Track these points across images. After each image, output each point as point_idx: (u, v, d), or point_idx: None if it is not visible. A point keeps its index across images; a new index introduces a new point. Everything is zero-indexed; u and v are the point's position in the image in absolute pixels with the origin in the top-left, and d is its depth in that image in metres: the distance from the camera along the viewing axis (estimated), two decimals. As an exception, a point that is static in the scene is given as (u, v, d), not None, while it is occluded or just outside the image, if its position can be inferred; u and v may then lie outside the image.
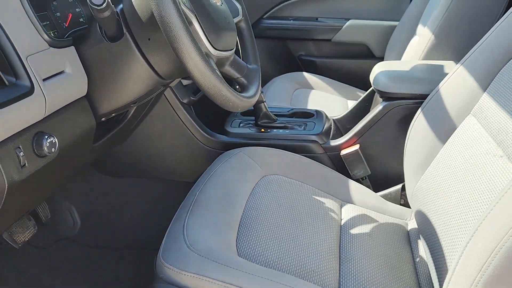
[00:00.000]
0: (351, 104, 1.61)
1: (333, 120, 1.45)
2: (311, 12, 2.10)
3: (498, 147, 0.85)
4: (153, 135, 1.30)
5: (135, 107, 1.06)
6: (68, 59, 0.78)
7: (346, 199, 1.17)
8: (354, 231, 1.06)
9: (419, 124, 1.10)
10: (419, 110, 1.11)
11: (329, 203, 1.13)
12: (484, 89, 0.97)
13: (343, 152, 1.26)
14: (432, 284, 0.94)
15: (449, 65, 1.29)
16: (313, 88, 1.86)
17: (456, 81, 1.05)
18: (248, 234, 0.93)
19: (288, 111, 1.45)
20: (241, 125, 1.36)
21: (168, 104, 1.26)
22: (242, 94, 0.84)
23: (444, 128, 1.04)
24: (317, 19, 2.10)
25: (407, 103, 1.22)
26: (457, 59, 1.24)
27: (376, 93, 1.34)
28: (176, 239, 0.87)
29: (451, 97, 1.04)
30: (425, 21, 1.57)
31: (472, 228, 0.74)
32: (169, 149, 1.33)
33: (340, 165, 1.28)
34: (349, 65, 2.05)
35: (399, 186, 1.22)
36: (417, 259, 1.02)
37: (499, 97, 0.91)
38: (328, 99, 1.77)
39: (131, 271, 1.39)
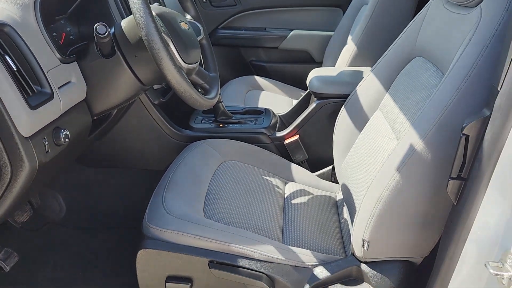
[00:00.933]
0: (295, 102, 1.93)
1: (279, 116, 1.75)
2: (260, 23, 2.40)
3: (392, 132, 1.17)
4: (129, 130, 1.55)
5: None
6: (73, 72, 1.03)
7: (289, 178, 1.48)
8: (294, 201, 1.36)
9: (342, 118, 1.42)
10: (343, 107, 1.43)
11: (276, 181, 1.43)
12: (387, 89, 1.30)
13: (286, 141, 1.57)
14: (350, 235, 1.26)
15: (366, 71, 1.62)
16: (263, 90, 2.17)
17: (369, 84, 1.37)
18: (212, 202, 1.21)
19: (242, 109, 1.74)
20: (203, 121, 1.64)
21: (141, 105, 1.51)
22: (206, 96, 1.12)
23: (360, 120, 1.36)
24: (265, 29, 2.40)
25: (334, 101, 1.55)
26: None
27: (311, 94, 1.66)
28: (157, 208, 1.14)
29: (365, 96, 1.37)
30: (352, 32, 1.91)
31: (368, 185, 1.05)
32: (143, 142, 1.58)
33: (284, 152, 1.58)
34: (293, 69, 2.37)
35: (330, 167, 1.54)
36: (342, 220, 1.34)
37: (395, 95, 1.24)
38: (276, 99, 2.08)
39: (113, 248, 1.62)
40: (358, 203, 1.15)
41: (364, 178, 1.16)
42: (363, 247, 1.01)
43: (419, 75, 1.13)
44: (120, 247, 1.61)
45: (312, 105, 1.58)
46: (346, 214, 1.36)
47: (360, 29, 1.75)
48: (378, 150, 1.17)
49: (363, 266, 1.06)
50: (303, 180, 1.49)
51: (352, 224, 1.18)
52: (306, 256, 1.10)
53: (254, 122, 1.63)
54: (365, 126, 1.34)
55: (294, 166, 1.51)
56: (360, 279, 1.07)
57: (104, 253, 1.59)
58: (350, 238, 1.25)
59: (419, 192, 0.95)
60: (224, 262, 1.05)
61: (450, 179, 0.87)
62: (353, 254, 1.09)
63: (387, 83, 1.31)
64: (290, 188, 1.43)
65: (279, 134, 1.60)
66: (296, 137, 1.56)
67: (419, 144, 0.93)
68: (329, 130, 1.51)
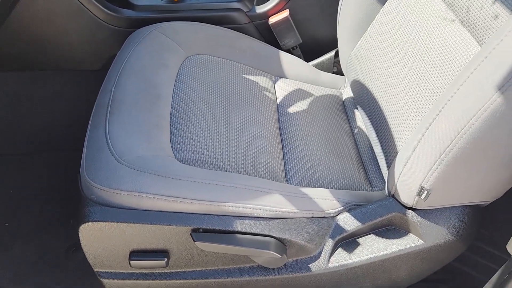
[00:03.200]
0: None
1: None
2: None
3: (449, 9, 0.77)
4: (35, 19, 1.03)
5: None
6: None
7: (278, 73, 1.08)
8: (291, 109, 0.99)
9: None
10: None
11: (262, 80, 1.03)
12: None
13: (271, 20, 1.12)
14: (373, 154, 0.93)
15: None
16: None
17: None
18: (183, 134, 0.82)
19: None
20: (148, -6, 1.14)
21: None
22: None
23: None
24: None
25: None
26: None
27: None
28: (100, 151, 0.74)
29: None
30: None
31: (428, 104, 0.69)
32: (61, 34, 1.08)
33: (269, 36, 1.15)
34: None
35: (332, 53, 1.14)
36: (355, 130, 1.00)
37: None
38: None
39: (45, 172, 1.24)
40: (396, 121, 0.80)
41: (404, 81, 0.79)
42: (420, 196, 0.69)
43: None
44: (58, 171, 1.23)
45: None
46: (360, 119, 1.02)
47: None
48: (428, 36, 0.78)
49: (410, 213, 0.76)
50: (297, 75, 1.09)
51: (384, 152, 0.84)
52: (325, 201, 0.78)
53: (223, -8, 1.14)
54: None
55: (283, 55, 1.10)
56: (402, 228, 0.78)
57: (37, 179, 1.21)
58: (371, 159, 0.93)
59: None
60: (213, 229, 0.71)
61: None
62: (393, 196, 0.78)
63: None
64: (281, 88, 1.04)
65: (260, 9, 1.14)
66: (285, 13, 1.11)
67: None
68: (332, 1, 1.08)
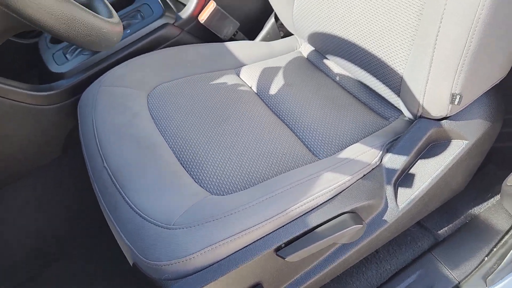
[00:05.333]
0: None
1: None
2: None
3: None
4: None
5: None
6: None
7: (236, 65, 1.04)
8: (271, 91, 0.96)
9: None
10: None
11: (228, 79, 0.98)
12: None
13: (202, 17, 1.06)
14: (369, 90, 0.93)
15: None
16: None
17: None
18: (200, 168, 0.76)
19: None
20: (67, 56, 1.03)
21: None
22: (108, 18, 0.57)
23: None
24: None
25: None
26: None
27: None
28: (141, 229, 0.67)
29: None
30: None
31: (413, 12, 0.68)
32: (4, 141, 0.96)
33: (207, 34, 1.09)
34: None
35: (272, 19, 1.11)
36: (337, 78, 1.00)
37: None
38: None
39: None
40: (390, 53, 0.79)
41: (381, 13, 0.78)
42: (453, 102, 0.70)
43: None
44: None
45: None
46: (346, 68, 1.01)
47: None
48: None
49: (445, 123, 0.77)
50: (253, 57, 1.06)
51: (384, 82, 0.84)
52: (364, 154, 0.77)
53: (139, 18, 1.06)
54: None
55: (231, 45, 1.05)
56: (443, 139, 0.79)
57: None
58: (377, 99, 0.93)
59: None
60: (293, 237, 0.68)
61: None
62: (421, 116, 0.78)
63: None
64: (248, 77, 1.01)
65: (185, 14, 1.07)
66: (212, 4, 1.05)
67: None
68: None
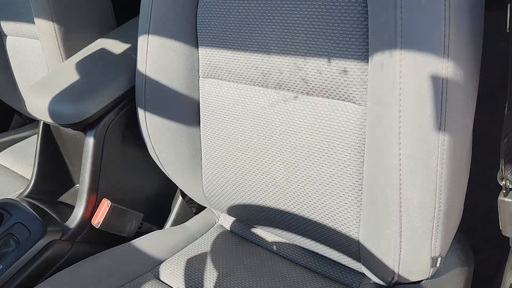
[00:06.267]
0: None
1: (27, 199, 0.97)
2: None
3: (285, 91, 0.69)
4: None
5: None
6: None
7: (153, 264, 0.84)
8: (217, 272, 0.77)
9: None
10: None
11: (148, 287, 0.78)
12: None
13: (96, 221, 0.86)
14: (321, 258, 0.80)
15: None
16: None
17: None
18: None
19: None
20: None
21: None
22: None
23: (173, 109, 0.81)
24: None
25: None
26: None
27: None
28: None
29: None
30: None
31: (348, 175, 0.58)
32: None
33: (105, 237, 0.88)
34: None
35: (179, 198, 0.96)
36: (274, 248, 0.85)
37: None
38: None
39: None
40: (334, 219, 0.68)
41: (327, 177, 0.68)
42: (434, 266, 0.58)
43: None
44: None
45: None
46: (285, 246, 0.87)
47: None
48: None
49: (424, 283, 0.65)
50: (170, 248, 0.87)
51: (339, 249, 0.72)
52: None
53: (13, 242, 0.83)
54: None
55: (139, 244, 0.86)
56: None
57: None
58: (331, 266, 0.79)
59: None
60: None
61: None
62: (396, 284, 0.65)
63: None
64: (171, 275, 0.81)
65: (73, 221, 0.86)
66: (106, 204, 0.87)
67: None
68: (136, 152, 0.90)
